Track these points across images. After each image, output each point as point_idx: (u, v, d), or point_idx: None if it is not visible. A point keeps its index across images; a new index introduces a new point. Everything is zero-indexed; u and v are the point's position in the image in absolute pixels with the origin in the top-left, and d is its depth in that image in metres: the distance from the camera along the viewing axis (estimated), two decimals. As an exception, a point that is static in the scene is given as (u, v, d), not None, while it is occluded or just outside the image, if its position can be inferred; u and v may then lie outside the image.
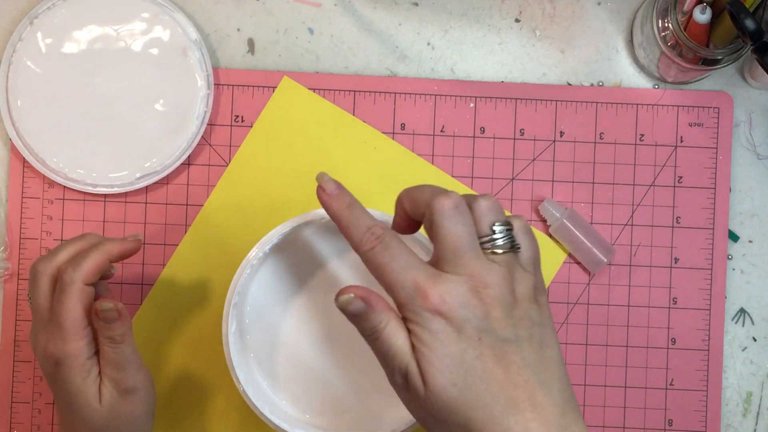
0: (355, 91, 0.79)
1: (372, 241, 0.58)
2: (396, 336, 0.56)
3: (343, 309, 0.58)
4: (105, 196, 0.79)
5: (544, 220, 0.79)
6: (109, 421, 0.69)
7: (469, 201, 0.58)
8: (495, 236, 0.57)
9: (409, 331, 0.56)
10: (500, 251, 0.57)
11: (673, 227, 0.79)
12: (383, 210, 0.75)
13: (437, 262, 0.57)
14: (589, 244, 0.77)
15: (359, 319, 0.58)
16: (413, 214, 0.60)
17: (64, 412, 0.69)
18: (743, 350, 0.80)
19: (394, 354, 0.56)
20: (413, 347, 0.56)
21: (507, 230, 0.58)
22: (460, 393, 0.55)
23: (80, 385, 0.68)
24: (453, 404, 0.55)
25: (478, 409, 0.54)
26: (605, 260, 0.78)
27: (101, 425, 0.69)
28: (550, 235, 0.79)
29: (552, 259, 0.79)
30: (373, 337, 0.57)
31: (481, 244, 0.57)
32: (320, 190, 0.61)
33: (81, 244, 0.70)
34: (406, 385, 0.56)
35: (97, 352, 0.69)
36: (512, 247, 0.57)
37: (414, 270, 0.56)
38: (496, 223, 0.58)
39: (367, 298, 0.57)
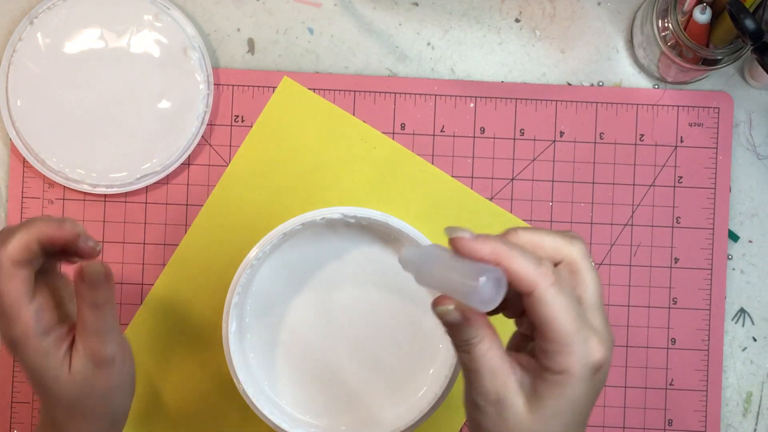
0: (355, 91, 0.79)
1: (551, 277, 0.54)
2: (489, 355, 0.55)
3: (441, 317, 0.56)
4: (105, 196, 0.79)
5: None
6: (81, 396, 0.65)
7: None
8: None
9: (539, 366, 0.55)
10: None
11: (673, 227, 0.79)
12: (382, 210, 0.75)
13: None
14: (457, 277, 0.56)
15: (454, 329, 0.56)
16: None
17: (38, 395, 0.66)
18: (743, 350, 0.80)
19: (484, 373, 0.55)
20: (533, 378, 0.55)
21: None
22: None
23: (41, 364, 0.64)
24: None
25: None
26: (481, 290, 0.54)
27: (73, 400, 0.65)
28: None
29: (552, 259, 0.79)
30: (464, 350, 0.56)
31: None
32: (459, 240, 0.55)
33: (15, 226, 0.65)
34: (496, 406, 0.55)
35: (62, 327, 0.65)
36: None
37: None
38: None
39: (464, 311, 0.55)
